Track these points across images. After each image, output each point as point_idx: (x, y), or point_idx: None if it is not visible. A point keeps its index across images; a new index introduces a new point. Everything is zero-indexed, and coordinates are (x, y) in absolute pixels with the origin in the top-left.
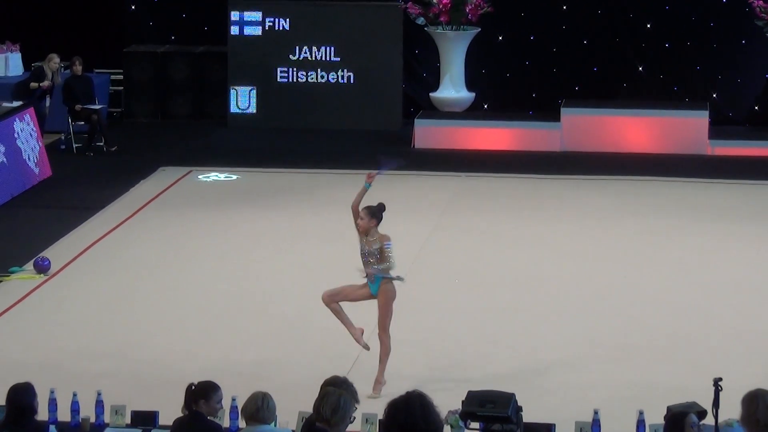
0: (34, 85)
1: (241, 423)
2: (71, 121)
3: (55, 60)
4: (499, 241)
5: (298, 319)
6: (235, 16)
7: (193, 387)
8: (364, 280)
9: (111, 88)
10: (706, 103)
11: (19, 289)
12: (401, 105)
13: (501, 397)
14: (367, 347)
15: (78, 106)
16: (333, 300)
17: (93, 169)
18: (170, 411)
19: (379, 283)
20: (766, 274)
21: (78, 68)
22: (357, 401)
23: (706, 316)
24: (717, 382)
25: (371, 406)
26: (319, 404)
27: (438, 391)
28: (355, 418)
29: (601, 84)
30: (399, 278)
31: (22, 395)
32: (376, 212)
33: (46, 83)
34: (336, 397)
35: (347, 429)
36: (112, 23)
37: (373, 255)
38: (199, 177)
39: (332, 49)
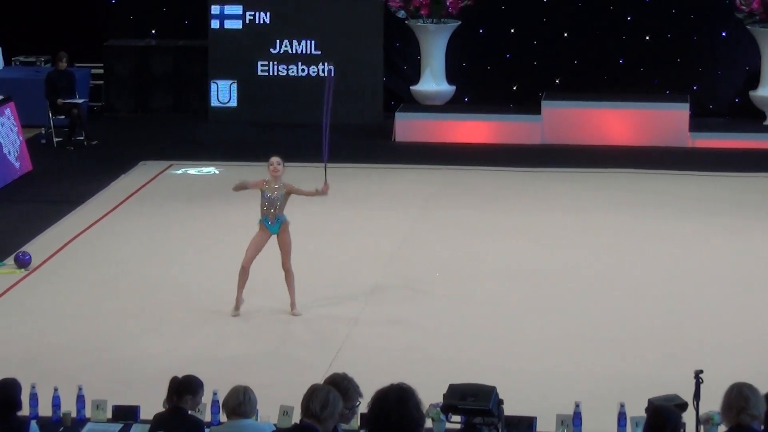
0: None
1: (223, 417)
2: (52, 116)
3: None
4: (480, 234)
5: (279, 312)
6: (215, 10)
7: (178, 381)
8: (258, 229)
9: (91, 82)
10: (686, 95)
11: (0, 284)
12: (382, 98)
13: (482, 390)
14: (236, 314)
15: (60, 101)
16: (249, 263)
17: (74, 164)
18: (151, 406)
19: (280, 224)
20: (747, 266)
21: (62, 64)
22: (360, 395)
23: (687, 309)
24: (698, 375)
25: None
26: (307, 401)
27: (419, 384)
28: (357, 412)
29: (581, 77)
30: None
31: (9, 390)
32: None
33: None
34: (325, 392)
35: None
36: (92, 17)
37: (280, 200)
38: (180, 171)
39: (313, 42)
